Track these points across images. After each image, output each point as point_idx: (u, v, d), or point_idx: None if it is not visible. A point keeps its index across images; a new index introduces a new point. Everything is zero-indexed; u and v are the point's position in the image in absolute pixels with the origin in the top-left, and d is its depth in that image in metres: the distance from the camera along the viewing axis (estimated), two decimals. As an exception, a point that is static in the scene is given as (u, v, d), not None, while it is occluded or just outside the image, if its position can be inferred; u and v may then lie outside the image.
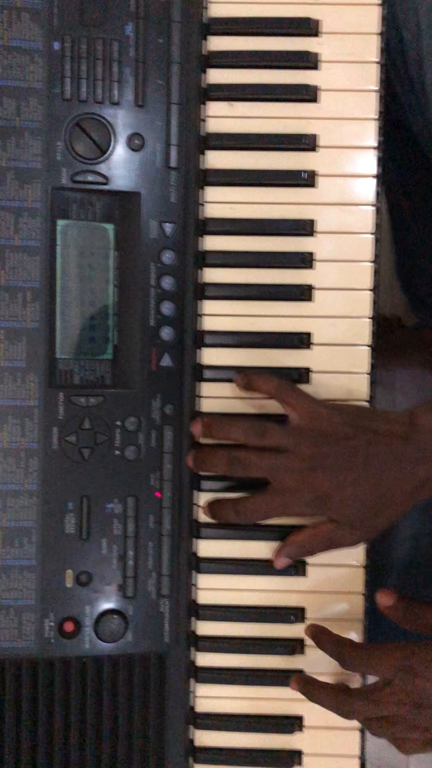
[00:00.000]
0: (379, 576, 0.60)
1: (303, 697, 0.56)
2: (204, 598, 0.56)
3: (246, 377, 0.54)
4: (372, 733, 0.53)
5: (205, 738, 0.56)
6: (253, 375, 0.54)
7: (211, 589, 0.56)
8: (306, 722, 0.57)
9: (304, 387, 0.55)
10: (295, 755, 0.56)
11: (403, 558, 0.68)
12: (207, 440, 0.55)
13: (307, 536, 0.55)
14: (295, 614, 0.56)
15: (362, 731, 0.57)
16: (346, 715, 0.52)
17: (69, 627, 0.53)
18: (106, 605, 0.53)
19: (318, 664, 0.56)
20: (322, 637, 0.54)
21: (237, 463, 0.53)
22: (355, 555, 0.56)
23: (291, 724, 0.56)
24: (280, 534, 0.56)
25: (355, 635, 0.56)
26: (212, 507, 0.55)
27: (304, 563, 0.56)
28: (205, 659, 0.56)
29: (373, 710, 0.51)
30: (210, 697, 0.56)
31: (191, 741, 0.56)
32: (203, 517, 0.56)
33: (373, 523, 0.54)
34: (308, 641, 0.56)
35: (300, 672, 0.56)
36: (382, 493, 0.53)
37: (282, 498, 0.53)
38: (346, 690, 0.52)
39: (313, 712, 0.56)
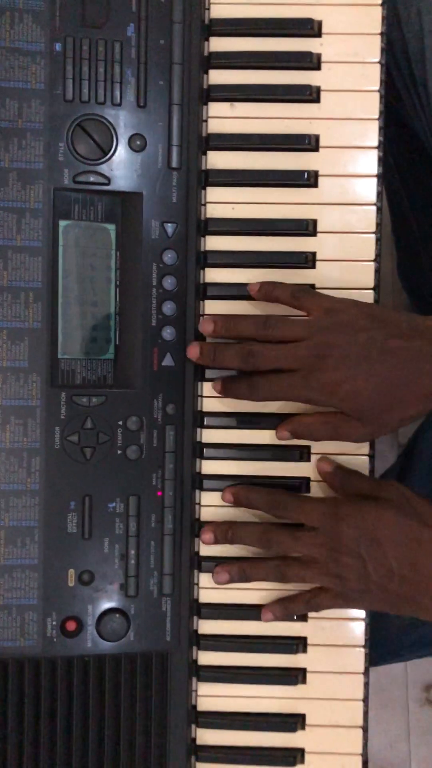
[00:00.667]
0: None
1: (306, 695, 0.56)
2: (206, 596, 0.57)
3: (262, 286, 0.54)
4: (283, 578, 0.54)
5: (208, 736, 0.57)
6: (267, 284, 0.54)
7: (212, 587, 0.56)
8: (308, 720, 0.57)
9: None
10: (298, 753, 0.57)
11: None
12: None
13: (315, 419, 0.54)
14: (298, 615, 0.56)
15: (365, 730, 0.57)
16: (266, 544, 0.53)
17: (71, 626, 0.53)
18: (108, 604, 0.54)
19: (321, 662, 0.56)
20: (249, 492, 0.55)
21: (249, 354, 0.52)
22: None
23: (293, 722, 0.56)
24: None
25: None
26: (226, 383, 0.55)
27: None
28: (207, 658, 0.56)
29: (291, 544, 0.53)
30: (212, 696, 0.57)
31: (193, 739, 0.57)
32: (205, 516, 0.56)
33: (382, 419, 0.53)
34: (311, 639, 0.56)
35: (303, 670, 0.56)
36: (395, 387, 0.51)
37: (292, 379, 0.52)
38: (269, 523, 0.54)
39: (315, 711, 0.57)
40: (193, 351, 0.54)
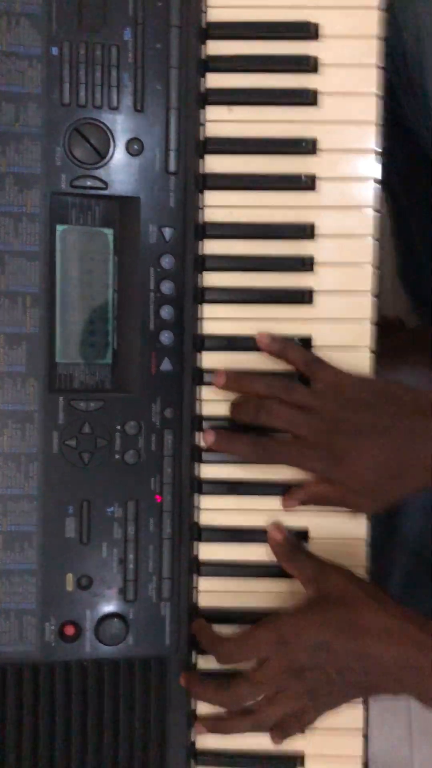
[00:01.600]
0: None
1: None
2: (205, 601, 0.56)
3: (273, 342, 0.54)
4: (261, 728, 0.53)
5: (207, 741, 0.57)
6: (281, 341, 0.54)
7: (212, 591, 0.56)
8: (307, 725, 0.57)
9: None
10: (298, 757, 0.56)
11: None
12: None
13: (324, 489, 0.55)
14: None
15: (365, 733, 0.57)
16: (235, 703, 0.53)
17: (70, 631, 0.53)
18: (107, 609, 0.54)
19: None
20: (201, 634, 0.55)
21: (264, 410, 0.53)
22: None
23: (292, 727, 0.56)
24: (281, 537, 0.56)
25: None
26: (221, 436, 0.54)
27: None
28: (206, 662, 0.56)
29: (256, 690, 0.52)
30: (211, 701, 0.56)
31: (193, 744, 0.57)
32: (204, 521, 0.56)
33: (387, 494, 0.54)
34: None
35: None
36: (398, 464, 0.53)
37: (299, 448, 0.53)
38: (224, 683, 0.53)
39: (314, 716, 0.56)
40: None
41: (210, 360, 0.56)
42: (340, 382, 0.54)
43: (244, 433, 0.54)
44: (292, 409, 0.53)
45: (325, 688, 0.52)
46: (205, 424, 0.56)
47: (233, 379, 0.54)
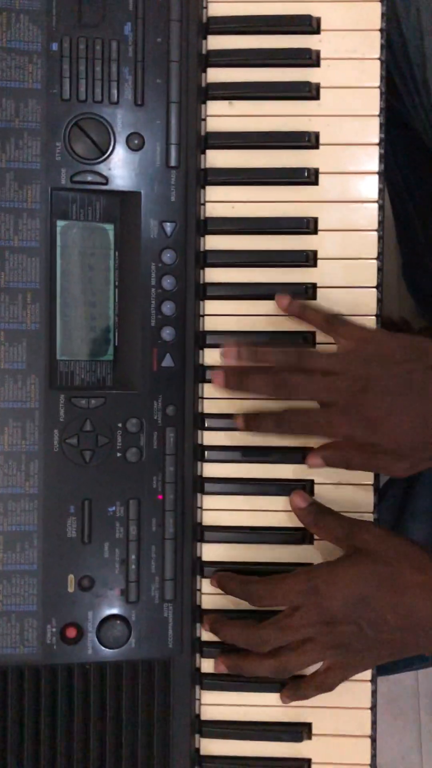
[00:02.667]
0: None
1: (312, 703, 0.55)
2: (208, 602, 0.55)
3: (297, 304, 0.52)
4: (285, 673, 0.52)
5: (212, 746, 0.55)
6: (299, 302, 0.52)
7: (215, 593, 0.55)
8: (315, 729, 0.55)
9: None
10: (304, 764, 0.55)
11: None
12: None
13: (353, 450, 0.52)
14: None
15: (373, 739, 0.56)
16: (259, 646, 0.51)
17: (71, 633, 0.52)
18: (109, 610, 0.53)
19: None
20: (228, 582, 0.53)
21: (283, 384, 0.50)
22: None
23: (299, 731, 0.55)
24: (286, 537, 0.55)
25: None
26: (249, 419, 0.52)
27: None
28: (210, 665, 0.55)
29: (283, 636, 0.51)
30: (216, 704, 0.55)
31: (197, 749, 0.55)
32: (206, 520, 0.55)
33: (421, 454, 0.51)
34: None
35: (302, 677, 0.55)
36: None
37: (329, 415, 0.51)
38: (253, 623, 0.52)
39: (322, 719, 0.55)
40: (218, 379, 0.53)
41: (212, 356, 0.55)
42: (364, 338, 0.51)
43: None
44: (316, 377, 0.50)
45: (356, 644, 0.50)
46: (207, 422, 0.55)
47: (247, 353, 0.52)
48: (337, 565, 0.51)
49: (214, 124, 0.55)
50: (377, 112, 0.55)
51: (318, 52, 0.54)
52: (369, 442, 0.51)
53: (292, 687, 0.53)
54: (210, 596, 0.55)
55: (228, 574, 0.54)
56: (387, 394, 0.50)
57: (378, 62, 0.55)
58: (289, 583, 0.51)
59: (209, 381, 0.55)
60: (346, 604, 0.50)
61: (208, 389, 0.55)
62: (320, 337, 0.55)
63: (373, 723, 0.56)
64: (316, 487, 0.55)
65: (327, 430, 0.52)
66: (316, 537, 0.55)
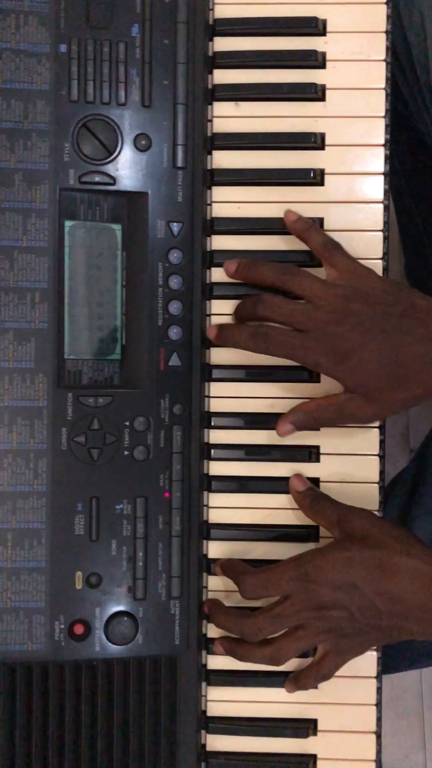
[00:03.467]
0: None
1: (318, 700, 0.55)
2: (215, 599, 0.56)
3: (303, 222, 0.53)
4: (279, 661, 0.52)
5: (218, 742, 0.56)
6: (305, 221, 0.53)
7: (221, 590, 0.56)
8: (320, 726, 0.56)
9: (313, 391, 0.55)
10: (310, 760, 0.56)
11: None
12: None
13: (318, 402, 0.53)
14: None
15: (378, 735, 0.56)
16: (252, 635, 0.52)
17: (79, 629, 0.53)
18: (116, 607, 0.53)
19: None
20: (228, 565, 0.54)
21: (263, 303, 0.52)
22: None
23: (305, 727, 0.56)
24: (291, 535, 0.56)
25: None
26: (223, 328, 0.54)
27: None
28: (216, 662, 0.56)
29: (276, 624, 0.51)
30: (222, 701, 0.56)
31: (203, 746, 0.56)
32: (213, 518, 0.56)
33: (390, 396, 0.52)
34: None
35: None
36: (405, 364, 0.51)
37: (303, 339, 0.51)
38: (247, 612, 0.53)
39: (327, 716, 0.56)
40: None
41: (219, 355, 0.55)
42: (352, 271, 0.52)
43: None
44: (295, 303, 0.52)
45: (346, 628, 0.51)
46: (214, 421, 0.56)
47: (244, 267, 0.53)
48: (326, 551, 0.52)
49: (220, 125, 0.55)
50: (383, 114, 0.55)
51: (324, 54, 0.55)
52: (334, 373, 0.52)
53: (293, 678, 0.54)
54: (217, 593, 0.56)
55: (229, 561, 0.54)
56: (359, 330, 0.51)
57: (383, 64, 0.55)
58: (280, 571, 0.52)
59: (216, 380, 0.55)
60: (336, 590, 0.50)
61: (215, 388, 0.56)
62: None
63: (378, 719, 0.56)
64: (321, 485, 0.56)
65: (298, 353, 0.52)
66: (322, 535, 0.56)
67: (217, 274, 0.55)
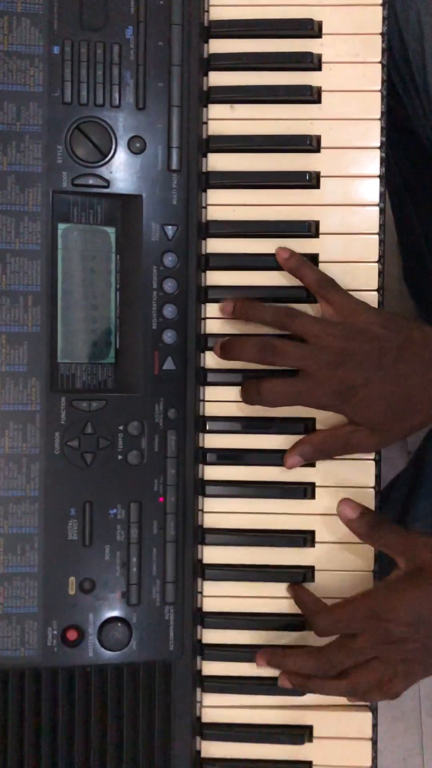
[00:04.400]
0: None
1: (313, 705, 0.55)
2: (209, 605, 0.55)
3: (296, 259, 0.54)
4: (354, 693, 0.52)
5: (213, 749, 0.55)
6: (298, 257, 0.54)
7: (216, 596, 0.55)
8: (316, 732, 0.55)
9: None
10: (305, 766, 0.55)
11: None
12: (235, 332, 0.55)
13: (325, 435, 0.54)
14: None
15: (374, 742, 0.56)
16: (328, 671, 0.52)
17: (72, 635, 0.52)
18: (110, 613, 0.53)
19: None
20: (302, 599, 0.54)
21: (269, 349, 0.52)
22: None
23: (301, 734, 0.55)
24: (287, 540, 0.55)
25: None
26: (243, 391, 0.54)
27: (312, 572, 0.55)
28: (211, 668, 0.55)
29: (351, 658, 0.51)
30: (217, 707, 0.55)
31: (198, 752, 0.55)
32: (208, 523, 0.55)
33: (393, 427, 0.53)
34: (316, 649, 0.55)
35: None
36: (406, 396, 0.52)
37: (306, 383, 0.52)
38: (318, 648, 0.52)
39: (323, 722, 0.55)
40: (216, 348, 0.54)
41: (213, 360, 0.55)
42: (349, 308, 0.53)
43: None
44: (296, 346, 0.52)
45: (419, 658, 0.51)
46: (209, 425, 0.55)
47: (241, 308, 0.53)
48: (396, 587, 0.51)
49: (215, 128, 0.55)
50: (378, 116, 0.55)
51: (319, 56, 0.54)
52: (341, 412, 0.53)
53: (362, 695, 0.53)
54: (211, 598, 0.55)
55: (303, 596, 0.54)
56: (361, 368, 0.52)
57: (379, 66, 0.55)
58: (349, 610, 0.51)
59: (210, 384, 0.55)
60: (408, 626, 0.50)
61: (209, 392, 0.55)
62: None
63: (374, 726, 0.56)
64: (317, 489, 0.55)
65: (304, 398, 0.53)
66: (318, 540, 0.55)
67: (212, 278, 0.55)
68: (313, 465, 0.55)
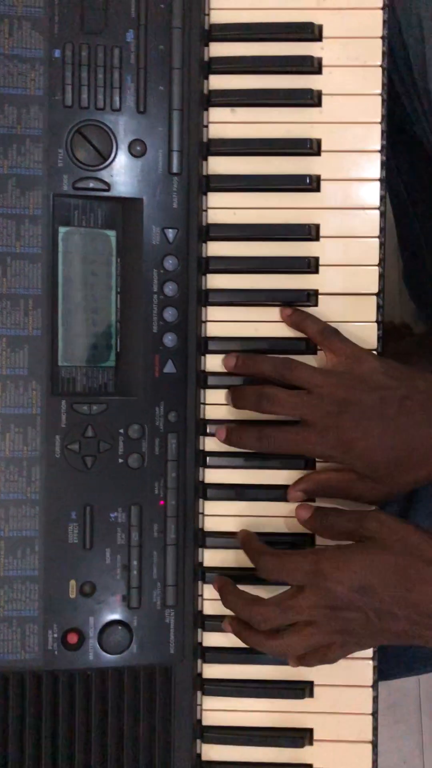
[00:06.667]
0: None
1: (313, 709, 0.55)
2: (210, 608, 0.56)
3: (298, 314, 0.54)
4: (284, 656, 0.52)
5: (213, 752, 0.55)
6: (300, 312, 0.54)
7: (217, 599, 0.55)
8: (316, 735, 0.55)
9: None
10: (305, 769, 0.55)
11: None
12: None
13: (329, 477, 0.53)
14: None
15: (375, 745, 0.56)
16: (259, 623, 0.51)
17: (73, 638, 0.52)
18: (111, 616, 0.53)
19: (328, 674, 0.55)
20: (247, 543, 0.54)
21: (266, 398, 0.52)
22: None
23: (301, 737, 0.55)
24: (288, 543, 0.55)
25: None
26: (231, 431, 0.54)
27: None
28: (211, 671, 0.55)
29: (285, 616, 0.51)
30: (217, 710, 0.55)
31: (198, 755, 0.55)
32: (208, 526, 0.56)
33: (396, 480, 0.52)
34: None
35: (310, 683, 0.55)
36: (409, 448, 0.51)
37: (306, 434, 0.52)
38: (258, 598, 0.52)
39: (323, 725, 0.55)
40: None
41: (213, 363, 0.55)
42: (352, 356, 0.52)
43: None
44: (295, 396, 0.52)
45: (359, 630, 0.50)
46: (210, 428, 0.55)
47: (243, 362, 0.53)
48: (346, 550, 0.51)
49: (216, 131, 0.55)
50: (379, 119, 0.55)
51: (320, 60, 0.55)
52: (341, 462, 0.52)
53: (299, 656, 0.53)
54: (212, 602, 0.55)
55: (248, 536, 0.54)
56: (362, 418, 0.51)
57: (380, 69, 0.55)
58: (297, 560, 0.51)
59: (211, 387, 0.55)
60: (352, 591, 0.49)
61: (210, 395, 0.55)
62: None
63: (375, 728, 0.56)
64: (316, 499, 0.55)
65: (304, 448, 0.53)
66: (317, 542, 0.55)
67: (213, 281, 0.55)
68: (313, 467, 0.55)
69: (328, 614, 0.50)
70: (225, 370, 0.55)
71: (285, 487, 0.55)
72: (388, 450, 0.51)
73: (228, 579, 0.54)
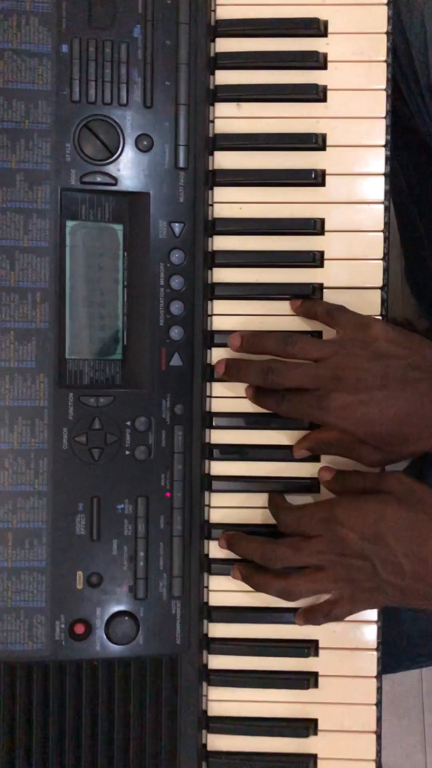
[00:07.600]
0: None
1: (318, 699, 0.55)
2: (216, 599, 0.56)
3: (303, 303, 0.54)
4: (290, 596, 0.52)
5: (219, 742, 0.56)
6: (312, 301, 0.54)
7: (222, 590, 0.56)
8: (321, 725, 0.56)
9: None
10: (310, 759, 0.56)
11: None
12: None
13: (332, 436, 0.53)
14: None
15: (378, 735, 0.56)
16: (272, 561, 0.52)
17: (80, 629, 0.53)
18: (117, 607, 0.53)
19: (333, 665, 0.56)
20: (272, 500, 0.55)
21: (270, 371, 0.52)
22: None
23: (306, 727, 0.56)
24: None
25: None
26: (257, 395, 0.54)
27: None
28: (217, 662, 0.56)
29: (297, 557, 0.51)
30: (223, 701, 0.56)
31: (204, 745, 0.56)
32: (214, 518, 0.56)
33: (395, 448, 0.52)
34: (322, 643, 0.56)
35: (315, 674, 0.56)
36: (410, 420, 0.50)
37: (308, 398, 0.52)
38: (269, 539, 0.53)
39: (328, 716, 0.56)
40: (220, 367, 0.55)
41: (220, 356, 0.56)
42: (360, 324, 0.52)
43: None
44: (301, 366, 0.52)
45: (366, 581, 0.51)
46: (215, 421, 0.56)
47: (248, 340, 0.54)
48: (361, 499, 0.51)
49: (222, 126, 0.55)
50: (384, 114, 0.55)
51: (325, 55, 0.55)
52: (341, 429, 0.52)
53: (303, 612, 0.54)
54: (218, 593, 0.56)
55: (274, 497, 0.55)
56: (362, 385, 0.51)
57: (384, 65, 0.55)
58: (313, 509, 0.52)
59: (217, 380, 0.56)
60: (363, 539, 0.50)
61: (216, 388, 0.56)
62: (327, 335, 0.55)
63: (379, 719, 0.56)
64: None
65: (305, 413, 0.53)
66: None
67: (219, 275, 0.55)
68: (318, 460, 0.56)
69: (337, 560, 0.51)
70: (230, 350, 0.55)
71: (290, 479, 0.56)
72: (388, 420, 0.50)
73: (236, 531, 0.55)
